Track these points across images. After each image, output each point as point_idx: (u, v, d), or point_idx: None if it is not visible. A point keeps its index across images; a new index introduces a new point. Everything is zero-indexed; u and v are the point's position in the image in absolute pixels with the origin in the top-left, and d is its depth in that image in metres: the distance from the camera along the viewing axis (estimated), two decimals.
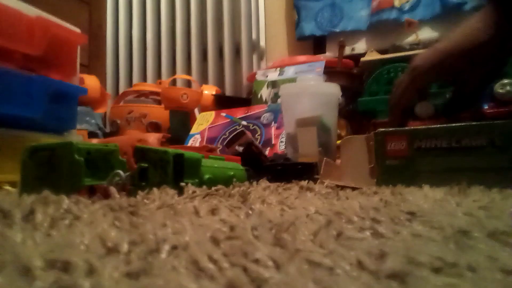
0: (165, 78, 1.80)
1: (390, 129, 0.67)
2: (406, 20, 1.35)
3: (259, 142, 1.26)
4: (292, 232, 0.22)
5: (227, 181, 0.52)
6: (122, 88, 1.91)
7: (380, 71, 1.07)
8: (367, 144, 0.70)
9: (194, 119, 1.46)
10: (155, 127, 1.48)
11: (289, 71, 1.46)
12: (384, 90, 1.04)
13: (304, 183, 0.61)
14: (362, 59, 1.22)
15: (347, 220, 0.27)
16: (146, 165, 0.44)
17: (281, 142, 1.23)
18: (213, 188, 0.47)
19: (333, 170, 0.75)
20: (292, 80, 1.35)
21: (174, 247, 0.18)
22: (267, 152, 1.22)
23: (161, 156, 0.44)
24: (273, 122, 1.30)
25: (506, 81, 0.72)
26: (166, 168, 0.44)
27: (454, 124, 0.63)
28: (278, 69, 1.49)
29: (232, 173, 0.53)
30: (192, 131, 1.38)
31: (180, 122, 1.47)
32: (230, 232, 0.23)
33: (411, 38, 1.54)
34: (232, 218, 0.28)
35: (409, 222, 0.26)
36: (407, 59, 1.05)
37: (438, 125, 0.64)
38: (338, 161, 0.91)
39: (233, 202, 0.40)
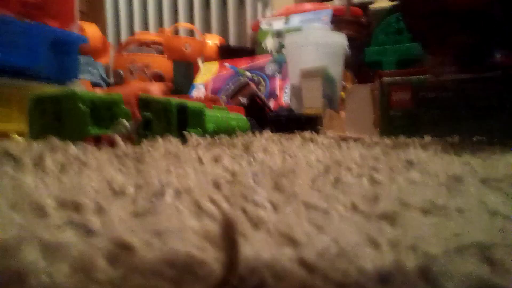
0: (167, 26, 1.75)
1: (395, 79, 0.66)
2: None
3: (263, 94, 1.25)
4: (291, 178, 0.23)
5: (230, 131, 0.52)
6: (123, 37, 1.86)
7: (388, 20, 1.03)
8: (372, 94, 0.69)
9: (197, 69, 1.44)
10: (158, 77, 1.46)
11: (295, 20, 1.40)
12: (393, 40, 1.01)
13: (307, 134, 0.62)
14: (371, 6, 1.17)
15: (346, 168, 0.28)
16: (150, 115, 0.44)
17: (286, 93, 1.22)
18: (216, 138, 0.48)
19: (337, 121, 0.75)
20: (297, 29, 1.31)
21: (177, 191, 0.19)
22: (271, 103, 1.22)
23: (164, 106, 0.44)
24: (277, 73, 1.28)
25: None
26: (170, 118, 0.44)
27: (459, 76, 0.62)
28: (284, 17, 1.43)
29: (235, 123, 0.54)
30: (196, 82, 1.37)
31: (183, 72, 1.45)
32: (231, 177, 0.24)
33: None
34: (234, 166, 0.29)
35: (406, 170, 0.27)
36: None
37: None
38: (343, 113, 0.91)
39: (235, 151, 0.40)
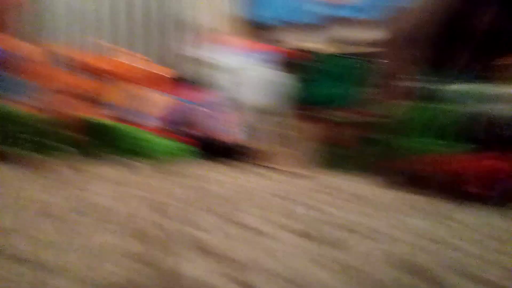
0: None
1: (338, 119, 0.71)
2: None
3: (213, 125, 1.26)
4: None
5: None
6: None
7: (329, 64, 1.12)
8: (316, 131, 0.74)
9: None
10: None
11: (243, 58, 1.45)
12: (333, 83, 1.10)
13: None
14: (313, 51, 1.26)
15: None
16: None
17: (234, 125, 1.24)
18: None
19: (286, 155, 0.77)
20: (246, 67, 1.35)
21: None
22: (221, 134, 1.23)
23: None
24: (224, 105, 1.29)
25: None
26: None
27: None
28: (232, 53, 1.47)
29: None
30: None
31: None
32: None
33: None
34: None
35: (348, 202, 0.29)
36: (353, 54, 1.11)
37: None
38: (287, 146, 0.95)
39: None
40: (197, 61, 1.45)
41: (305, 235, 0.17)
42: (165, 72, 1.53)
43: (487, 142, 0.36)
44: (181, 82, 1.50)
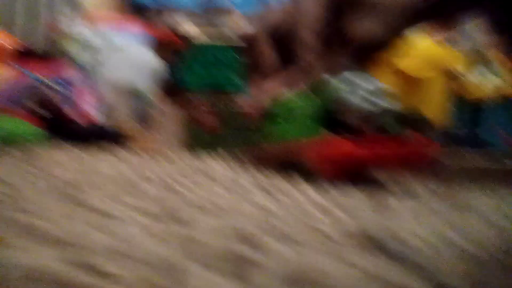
0: None
1: (202, 103, 0.73)
2: None
3: (68, 103, 1.13)
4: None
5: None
6: None
7: (203, 50, 1.14)
8: (180, 114, 0.74)
9: None
10: None
11: (109, 33, 1.34)
12: (202, 68, 1.11)
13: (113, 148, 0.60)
14: (185, 36, 1.25)
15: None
16: None
17: (92, 105, 1.14)
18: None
19: (146, 137, 0.75)
20: (111, 42, 1.25)
21: None
22: (76, 114, 1.11)
23: None
24: (83, 83, 1.18)
25: None
26: None
27: None
28: (96, 28, 1.35)
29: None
30: None
31: None
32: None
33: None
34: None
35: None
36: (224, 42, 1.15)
37: None
38: (155, 130, 0.92)
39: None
40: (65, 36, 1.28)
41: (156, 216, 0.17)
42: (11, 42, 1.30)
43: (347, 130, 0.40)
44: (33, 55, 1.30)
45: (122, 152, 0.50)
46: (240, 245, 0.13)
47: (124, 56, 1.10)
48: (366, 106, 0.34)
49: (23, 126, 0.48)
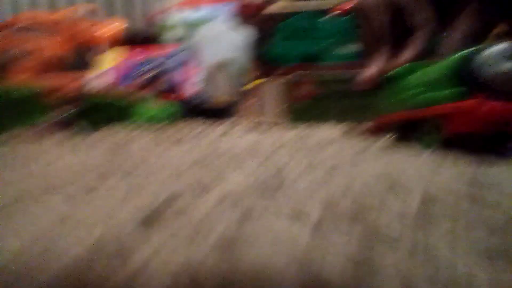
0: (61, 5, 1.60)
1: (300, 74, 0.77)
2: None
3: (173, 83, 1.27)
4: None
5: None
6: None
7: (290, 19, 1.15)
8: (281, 87, 0.79)
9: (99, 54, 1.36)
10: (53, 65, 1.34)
11: (203, 11, 1.44)
12: (294, 38, 1.13)
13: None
14: (274, 6, 1.27)
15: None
16: None
17: (195, 83, 1.25)
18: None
19: (250, 109, 0.83)
20: (206, 21, 1.35)
21: None
22: (181, 92, 1.24)
23: None
24: (187, 63, 1.30)
25: None
26: None
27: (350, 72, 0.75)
28: (193, 8, 1.45)
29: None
30: (100, 68, 1.30)
31: (84, 58, 1.36)
32: None
33: None
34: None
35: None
36: (315, 9, 1.14)
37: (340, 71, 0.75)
38: (251, 102, 1.00)
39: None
40: (162, 24, 1.42)
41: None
42: (121, 27, 1.47)
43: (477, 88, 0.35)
44: (140, 39, 1.47)
45: (240, 125, 0.56)
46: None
47: (220, 32, 1.17)
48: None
49: (161, 105, 0.57)
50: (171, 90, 0.97)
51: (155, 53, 1.32)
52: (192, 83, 1.27)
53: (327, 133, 0.47)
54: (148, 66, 1.28)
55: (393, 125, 0.36)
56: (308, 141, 0.39)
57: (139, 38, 1.42)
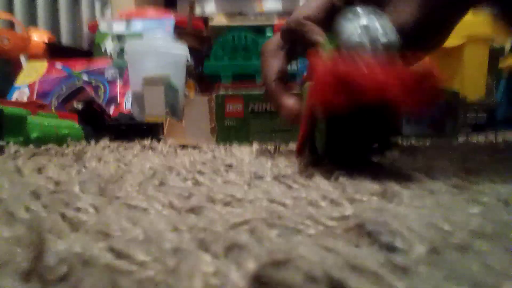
0: None
1: (229, 92, 0.74)
2: None
3: (103, 100, 1.18)
4: (118, 184, 0.24)
5: (60, 140, 0.49)
6: None
7: (226, 37, 1.13)
8: (209, 105, 0.75)
9: (19, 68, 1.25)
10: None
11: (137, 25, 1.38)
12: (229, 56, 1.11)
13: (147, 142, 0.62)
14: (210, 21, 1.25)
15: (176, 173, 0.31)
16: None
17: (127, 100, 1.18)
18: (42, 147, 0.44)
19: (178, 130, 0.78)
20: (139, 35, 1.29)
21: None
22: (111, 110, 1.16)
23: None
24: (118, 79, 1.22)
25: None
26: None
27: None
28: (125, 20, 1.39)
29: (66, 131, 0.50)
30: (18, 83, 1.18)
31: (0, 71, 1.23)
32: (55, 187, 0.23)
33: (257, 8, 1.65)
34: (60, 176, 0.28)
35: (226, 172, 0.31)
36: (251, 27, 1.13)
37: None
38: (180, 121, 0.95)
39: (65, 161, 0.38)
40: (100, 33, 1.34)
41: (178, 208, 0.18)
42: (45, 38, 1.37)
43: None
44: (68, 51, 1.37)
45: (158, 146, 0.52)
46: (242, 234, 0.15)
47: (155, 48, 1.12)
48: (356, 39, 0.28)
49: (62, 123, 0.50)
50: (98, 107, 0.89)
51: (82, 67, 1.23)
52: (122, 100, 1.19)
53: (240, 154, 0.43)
54: (71, 81, 1.18)
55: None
56: (215, 163, 0.36)
57: (64, 51, 1.32)
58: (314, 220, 0.16)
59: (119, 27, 1.36)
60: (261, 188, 0.24)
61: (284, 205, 0.20)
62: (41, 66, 1.22)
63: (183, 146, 0.64)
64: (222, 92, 0.73)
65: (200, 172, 0.32)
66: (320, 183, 0.25)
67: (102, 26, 1.37)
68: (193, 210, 0.18)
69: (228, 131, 0.73)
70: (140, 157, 0.45)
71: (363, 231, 0.15)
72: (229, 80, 1.07)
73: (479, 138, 0.72)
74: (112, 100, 1.19)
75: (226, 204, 0.20)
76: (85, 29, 1.56)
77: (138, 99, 1.09)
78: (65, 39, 1.57)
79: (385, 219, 0.15)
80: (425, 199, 0.20)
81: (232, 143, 0.67)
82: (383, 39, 0.29)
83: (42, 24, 1.56)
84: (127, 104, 1.19)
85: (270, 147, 0.52)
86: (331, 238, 0.14)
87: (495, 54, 1.08)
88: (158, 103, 1.03)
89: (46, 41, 1.36)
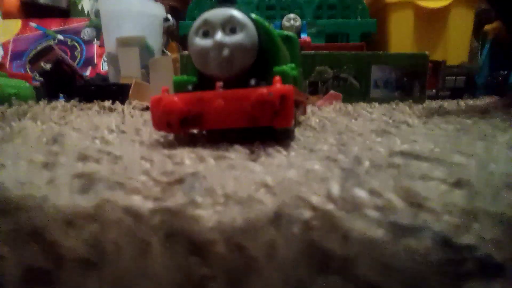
0: None
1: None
2: None
3: (79, 60, 1.16)
4: (13, 142, 0.24)
5: (6, 100, 0.48)
6: None
7: None
8: (174, 65, 0.73)
9: None
10: None
11: None
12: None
13: (107, 103, 0.61)
14: None
15: (93, 132, 0.31)
16: None
17: (104, 61, 1.16)
18: None
19: (144, 90, 0.77)
20: None
21: None
22: (88, 71, 1.14)
23: None
24: (95, 39, 1.19)
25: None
26: None
27: None
28: None
29: (13, 91, 0.50)
30: None
31: None
32: None
33: None
34: None
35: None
36: None
37: None
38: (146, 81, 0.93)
39: None
40: None
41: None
42: None
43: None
44: (44, 9, 1.32)
45: (120, 108, 0.51)
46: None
47: (129, 7, 1.08)
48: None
49: (10, 82, 0.50)
50: (67, 67, 0.87)
51: (57, 27, 1.20)
52: (99, 61, 1.17)
53: None
54: (46, 40, 1.16)
55: None
56: None
57: (40, 9, 1.28)
58: None
59: None
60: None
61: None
62: (15, 24, 1.18)
63: (147, 107, 0.64)
64: (185, 51, 0.71)
65: (121, 132, 0.31)
66: None
67: None
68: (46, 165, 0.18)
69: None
70: (84, 118, 0.44)
71: None
72: None
73: (447, 103, 0.71)
74: (88, 61, 1.17)
75: (96, 161, 0.20)
76: None
77: (113, 60, 1.06)
78: None
79: None
80: None
81: None
82: None
83: None
84: (104, 65, 1.16)
85: None
86: None
87: (482, 16, 1.05)
88: (133, 64, 1.01)
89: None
